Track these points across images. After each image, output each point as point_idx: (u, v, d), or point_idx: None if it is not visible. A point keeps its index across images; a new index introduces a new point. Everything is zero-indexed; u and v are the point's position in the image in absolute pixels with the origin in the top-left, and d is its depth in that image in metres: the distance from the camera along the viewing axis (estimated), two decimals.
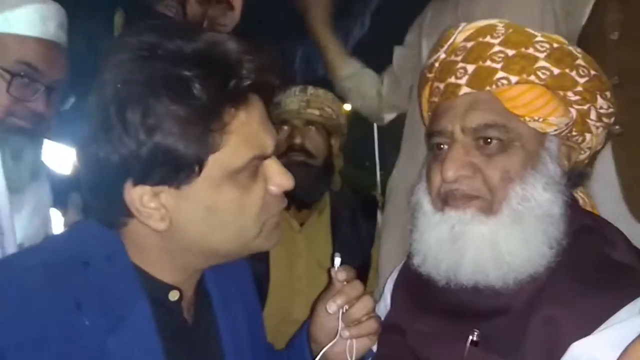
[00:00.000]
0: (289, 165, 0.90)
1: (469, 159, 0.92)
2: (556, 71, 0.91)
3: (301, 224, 1.82)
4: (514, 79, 0.91)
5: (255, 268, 1.15)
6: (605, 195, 1.24)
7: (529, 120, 0.92)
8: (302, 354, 1.02)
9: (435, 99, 1.01)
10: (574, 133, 0.96)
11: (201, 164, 0.76)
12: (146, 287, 0.83)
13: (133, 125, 0.72)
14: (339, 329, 0.94)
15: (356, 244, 1.85)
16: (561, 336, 0.82)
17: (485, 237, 0.90)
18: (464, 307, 0.94)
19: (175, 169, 0.75)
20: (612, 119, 0.98)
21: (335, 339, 0.95)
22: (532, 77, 0.91)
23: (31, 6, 1.20)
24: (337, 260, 0.96)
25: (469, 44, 0.95)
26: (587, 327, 0.81)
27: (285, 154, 1.70)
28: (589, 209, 1.02)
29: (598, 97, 0.94)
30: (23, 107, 1.19)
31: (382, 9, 2.86)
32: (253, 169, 0.81)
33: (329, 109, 1.83)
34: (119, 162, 0.74)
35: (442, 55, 0.99)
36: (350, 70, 2.03)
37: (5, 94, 1.16)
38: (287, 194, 0.89)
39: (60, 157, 1.40)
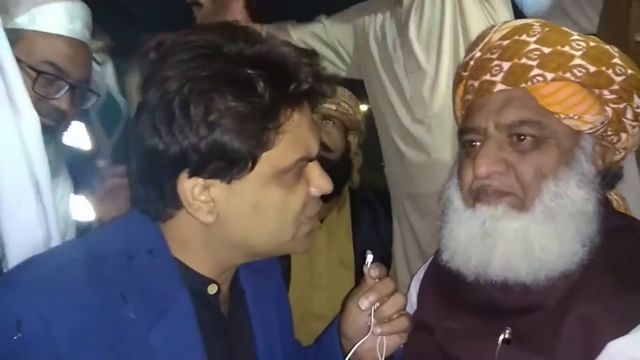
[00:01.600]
0: None
1: (502, 155, 0.91)
2: (592, 69, 0.91)
3: (321, 220, 1.82)
4: (549, 76, 0.91)
5: None
6: (626, 197, 1.23)
7: (564, 118, 0.91)
8: (332, 349, 1.02)
9: (469, 97, 1.00)
10: (609, 132, 0.95)
11: (254, 160, 0.78)
12: (186, 280, 0.84)
13: (195, 119, 0.74)
14: (371, 325, 0.95)
15: (376, 242, 1.85)
16: (598, 335, 0.82)
17: (517, 232, 0.90)
18: (495, 304, 0.94)
19: (229, 164, 0.77)
20: None
21: (368, 335, 0.95)
22: (568, 75, 0.91)
23: (58, 4, 1.19)
24: (369, 257, 0.97)
25: (505, 42, 0.95)
26: (625, 326, 0.81)
27: None
28: (622, 211, 1.01)
29: (635, 96, 0.93)
30: (47, 104, 1.19)
31: None
32: (298, 170, 0.83)
33: (345, 104, 1.83)
34: (178, 154, 0.76)
35: (478, 54, 0.98)
36: None
37: (29, 91, 1.14)
38: None
39: (77, 133, 1.38)
